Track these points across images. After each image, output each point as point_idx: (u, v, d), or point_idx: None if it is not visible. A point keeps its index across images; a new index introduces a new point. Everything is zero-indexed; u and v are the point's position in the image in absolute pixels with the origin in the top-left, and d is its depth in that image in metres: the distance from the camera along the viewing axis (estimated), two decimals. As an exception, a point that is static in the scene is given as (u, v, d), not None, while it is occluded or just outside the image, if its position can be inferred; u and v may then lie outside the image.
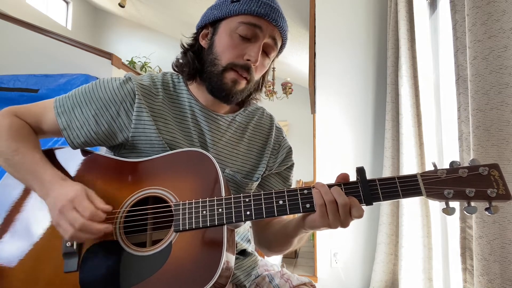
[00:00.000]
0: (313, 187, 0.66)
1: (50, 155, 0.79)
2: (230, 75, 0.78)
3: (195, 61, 0.82)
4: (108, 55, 2.95)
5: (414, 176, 0.64)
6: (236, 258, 0.88)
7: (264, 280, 0.90)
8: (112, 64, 2.93)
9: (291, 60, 5.55)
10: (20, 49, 3.08)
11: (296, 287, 0.86)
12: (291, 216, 0.74)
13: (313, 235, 2.50)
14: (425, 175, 0.64)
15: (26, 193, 0.77)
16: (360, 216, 0.63)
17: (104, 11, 6.86)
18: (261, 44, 0.78)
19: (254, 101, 0.93)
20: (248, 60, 0.77)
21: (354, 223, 2.24)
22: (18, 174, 0.74)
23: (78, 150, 0.80)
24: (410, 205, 1.82)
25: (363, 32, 2.34)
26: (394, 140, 2.01)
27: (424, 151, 1.84)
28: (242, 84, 0.79)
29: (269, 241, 0.88)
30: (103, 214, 0.67)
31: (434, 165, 0.65)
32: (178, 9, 5.37)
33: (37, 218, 0.74)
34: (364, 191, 0.64)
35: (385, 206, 2.01)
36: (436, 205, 1.81)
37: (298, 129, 6.17)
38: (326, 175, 2.27)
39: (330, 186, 0.66)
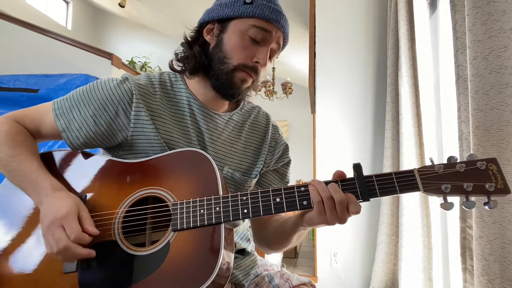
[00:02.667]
0: (309, 184, 0.66)
1: (48, 158, 0.79)
2: (240, 75, 0.80)
3: (202, 56, 0.82)
4: (108, 55, 2.96)
5: (411, 171, 0.64)
6: (235, 258, 0.88)
7: (263, 280, 0.90)
8: (112, 64, 2.93)
9: (291, 60, 5.55)
10: (20, 49, 3.08)
11: (295, 287, 0.86)
12: (290, 213, 0.74)
13: (313, 235, 2.50)
14: (422, 170, 0.64)
15: (26, 195, 0.77)
16: (357, 212, 0.63)
17: (104, 11, 6.87)
18: (269, 48, 0.81)
19: (247, 95, 0.93)
20: (257, 62, 0.79)
21: (354, 223, 2.24)
22: (15, 180, 0.75)
23: (76, 152, 0.80)
24: (410, 205, 1.82)
25: (363, 32, 2.34)
26: (394, 140, 2.01)
27: (424, 151, 1.84)
28: (249, 83, 0.82)
29: (268, 239, 0.88)
30: (89, 238, 0.66)
31: (431, 160, 0.65)
32: (178, 9, 5.37)
33: (37, 220, 0.74)
34: (361, 187, 0.64)
35: (385, 206, 2.01)
36: (436, 205, 1.81)
37: (298, 129, 6.17)
38: (326, 175, 2.26)
39: (327, 182, 0.66)
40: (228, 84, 0.80)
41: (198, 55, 0.82)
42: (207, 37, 0.83)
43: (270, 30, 0.79)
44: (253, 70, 0.80)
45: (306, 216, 0.68)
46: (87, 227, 0.67)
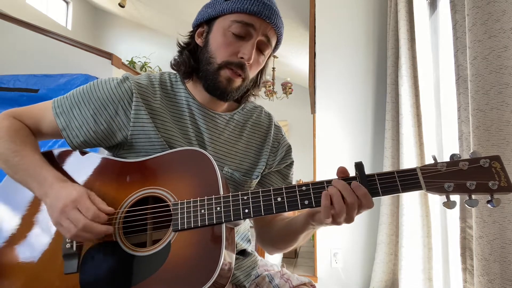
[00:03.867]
0: (330, 186, 0.65)
1: (49, 157, 0.79)
2: (224, 74, 0.78)
3: (191, 60, 0.82)
4: (108, 55, 2.96)
5: (414, 170, 0.63)
6: (236, 258, 0.88)
7: (264, 280, 0.90)
8: (112, 64, 2.93)
9: (291, 60, 5.55)
10: (20, 49, 3.08)
11: (296, 287, 0.86)
12: (291, 213, 0.74)
13: (313, 235, 2.50)
14: (424, 168, 0.63)
15: (26, 195, 0.77)
16: (369, 206, 0.63)
17: (104, 11, 6.86)
18: (255, 42, 0.78)
19: (253, 98, 0.93)
20: (242, 58, 0.77)
21: (354, 223, 2.22)
22: (17, 176, 0.74)
23: (77, 152, 0.80)
24: (410, 205, 1.82)
25: (363, 32, 2.34)
26: (394, 140, 2.01)
27: (424, 151, 1.84)
28: (237, 82, 0.80)
29: (273, 239, 0.88)
30: (105, 216, 0.67)
31: (434, 158, 0.64)
32: (178, 9, 5.37)
33: (37, 220, 0.74)
34: (363, 186, 0.64)
35: (385, 206, 2.01)
36: (436, 205, 1.81)
37: (298, 129, 6.17)
38: (326, 175, 2.27)
39: (328, 181, 0.66)
40: (214, 84, 0.79)
41: (187, 59, 0.82)
42: (198, 41, 0.84)
43: (252, 24, 0.77)
44: (239, 66, 0.78)
45: (316, 217, 0.69)
46: (100, 206, 0.68)
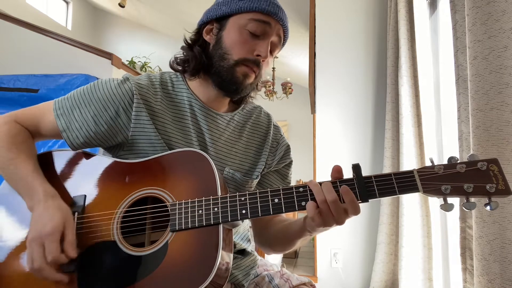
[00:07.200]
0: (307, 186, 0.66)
1: (47, 158, 0.79)
2: (241, 69, 0.79)
3: (202, 56, 0.82)
4: (108, 55, 2.96)
5: (411, 172, 0.63)
6: (235, 258, 0.88)
7: (263, 280, 0.90)
8: (112, 64, 2.93)
9: (291, 60, 5.55)
10: (20, 49, 3.08)
11: (295, 287, 0.86)
12: (290, 215, 0.73)
13: (313, 235, 2.50)
14: (421, 171, 0.63)
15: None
16: (355, 213, 0.62)
17: (104, 11, 6.86)
18: (270, 41, 0.80)
19: (253, 94, 0.93)
20: (258, 55, 0.79)
21: (354, 223, 2.24)
22: (12, 183, 0.75)
23: (76, 152, 0.80)
24: (410, 205, 1.82)
25: (363, 32, 2.34)
26: (394, 140, 2.01)
27: (424, 151, 1.84)
28: (252, 78, 0.81)
29: (271, 241, 0.88)
30: (65, 260, 0.65)
31: (432, 161, 0.64)
32: (178, 9, 5.37)
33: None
34: (359, 188, 0.64)
35: (385, 206, 2.01)
36: (436, 206, 1.81)
37: (298, 129, 6.17)
38: (326, 175, 2.27)
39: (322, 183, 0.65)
40: (230, 79, 0.80)
41: (199, 55, 0.82)
42: (207, 38, 0.84)
43: (269, 22, 0.79)
44: (255, 63, 0.79)
45: (307, 220, 0.68)
46: (66, 248, 0.66)
